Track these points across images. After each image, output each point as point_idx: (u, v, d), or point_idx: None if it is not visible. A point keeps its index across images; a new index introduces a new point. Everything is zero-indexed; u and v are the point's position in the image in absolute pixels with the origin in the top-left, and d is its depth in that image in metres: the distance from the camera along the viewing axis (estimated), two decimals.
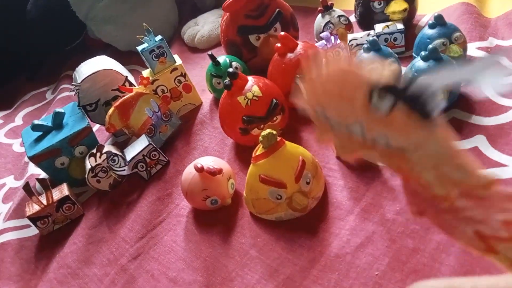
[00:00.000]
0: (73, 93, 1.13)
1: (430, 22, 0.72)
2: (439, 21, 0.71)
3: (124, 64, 0.96)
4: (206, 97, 0.94)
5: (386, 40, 0.81)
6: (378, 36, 0.81)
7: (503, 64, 0.23)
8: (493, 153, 0.58)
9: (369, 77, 0.26)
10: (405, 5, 0.81)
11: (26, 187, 0.72)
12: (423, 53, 0.65)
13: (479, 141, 0.61)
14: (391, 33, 0.80)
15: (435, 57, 0.64)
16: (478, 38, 0.77)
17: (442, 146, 0.25)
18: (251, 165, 0.61)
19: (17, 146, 1.08)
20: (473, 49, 0.76)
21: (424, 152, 0.25)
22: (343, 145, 0.29)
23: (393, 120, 0.25)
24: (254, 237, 0.61)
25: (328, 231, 0.57)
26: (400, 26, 0.80)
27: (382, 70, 0.26)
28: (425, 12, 0.92)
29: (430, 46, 0.64)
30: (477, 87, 0.22)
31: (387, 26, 0.81)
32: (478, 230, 0.25)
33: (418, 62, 0.66)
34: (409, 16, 0.84)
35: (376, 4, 0.84)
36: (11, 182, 0.95)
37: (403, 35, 0.80)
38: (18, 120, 1.21)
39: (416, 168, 0.26)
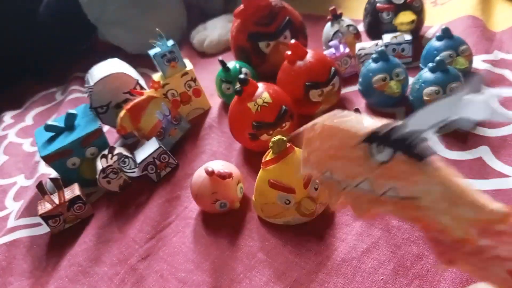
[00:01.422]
0: (82, 94, 1.15)
1: (438, 34, 0.74)
2: (446, 34, 0.73)
3: (133, 67, 0.98)
4: (215, 102, 0.96)
5: (394, 50, 0.83)
6: (386, 46, 0.83)
7: (479, 88, 0.24)
8: (496, 164, 0.59)
9: (359, 130, 0.27)
10: (413, 17, 0.83)
11: (40, 186, 0.73)
12: (430, 64, 0.67)
13: (483, 152, 0.62)
14: (399, 44, 0.82)
15: (442, 69, 0.66)
16: (484, 51, 0.79)
17: (447, 187, 0.25)
18: (261, 170, 0.62)
19: (27, 145, 1.10)
20: (478, 61, 0.77)
21: (433, 196, 0.25)
22: (357, 205, 0.30)
23: (396, 169, 0.26)
24: (262, 240, 0.62)
25: (335, 236, 0.59)
26: (408, 37, 0.82)
27: (361, 121, 0.28)
28: (432, 24, 0.94)
29: (437, 58, 0.66)
30: (464, 119, 0.22)
31: (395, 36, 0.83)
32: (510, 269, 0.24)
33: (426, 73, 0.67)
34: (416, 28, 0.86)
35: (384, 15, 0.85)
36: (22, 181, 0.96)
37: (410, 46, 0.82)
38: (29, 120, 1.23)
39: (430, 215, 0.26)
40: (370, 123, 0.27)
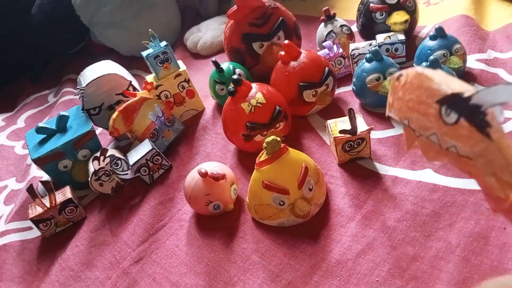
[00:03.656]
0: (75, 96, 1.14)
1: (431, 33, 0.74)
2: (439, 33, 0.73)
3: (126, 69, 0.97)
4: (209, 103, 0.96)
5: (387, 50, 0.83)
6: (379, 46, 0.82)
7: None
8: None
9: (439, 89, 0.30)
10: (406, 17, 0.83)
11: (30, 189, 0.72)
12: (424, 64, 0.67)
13: None
14: (392, 44, 0.82)
15: (436, 68, 0.65)
16: (477, 50, 0.79)
17: (499, 155, 0.29)
18: (255, 171, 0.61)
19: (19, 148, 1.08)
20: (472, 61, 0.77)
21: (485, 160, 0.29)
22: (427, 151, 0.34)
23: (459, 132, 0.30)
24: (256, 242, 0.61)
25: (330, 238, 0.58)
26: (402, 36, 0.82)
27: (451, 81, 0.31)
28: (426, 24, 0.94)
29: (431, 57, 0.66)
30: None
31: (389, 36, 0.82)
32: None
33: None
34: (410, 27, 0.86)
35: (378, 15, 0.85)
36: (13, 184, 0.95)
37: (404, 45, 0.82)
38: (20, 122, 1.22)
39: (481, 174, 0.30)
40: (449, 84, 0.30)
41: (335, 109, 0.80)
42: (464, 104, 0.29)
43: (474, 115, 0.29)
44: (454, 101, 0.30)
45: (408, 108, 0.34)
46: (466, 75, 0.75)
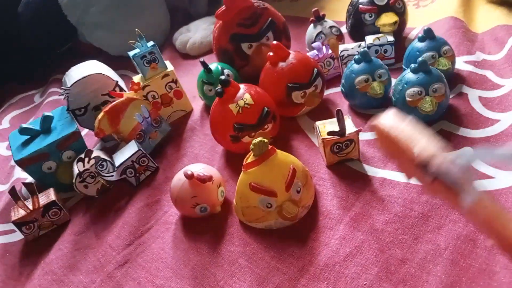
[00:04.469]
0: (62, 97, 1.12)
1: (420, 35, 0.74)
2: (428, 35, 0.73)
3: (114, 69, 0.96)
4: (197, 104, 0.94)
5: (376, 51, 0.82)
6: (369, 47, 0.82)
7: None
8: (480, 166, 0.59)
9: (408, 150, 0.34)
10: (395, 18, 0.83)
11: (12, 191, 0.70)
12: (412, 65, 0.66)
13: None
14: (381, 45, 0.82)
15: (424, 69, 0.65)
16: (466, 52, 0.79)
17: (478, 216, 0.32)
18: (242, 173, 0.60)
19: (3, 149, 1.06)
20: (461, 62, 0.77)
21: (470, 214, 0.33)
22: (424, 185, 0.36)
23: (438, 189, 0.33)
24: (244, 245, 0.60)
25: (318, 240, 0.57)
26: (391, 38, 0.82)
27: (427, 144, 0.34)
28: (415, 25, 0.94)
29: (420, 59, 0.66)
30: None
31: (378, 38, 0.82)
32: None
33: (408, 74, 0.67)
34: (399, 29, 0.86)
35: (367, 16, 0.85)
36: None
37: (393, 47, 0.82)
38: (5, 123, 1.20)
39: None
40: (420, 145, 0.34)
41: (324, 110, 0.79)
42: (434, 169, 0.33)
43: (446, 177, 0.32)
44: (426, 166, 0.33)
45: (391, 156, 0.39)
46: (454, 77, 0.75)
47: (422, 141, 0.35)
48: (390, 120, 0.37)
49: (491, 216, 0.32)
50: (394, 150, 0.37)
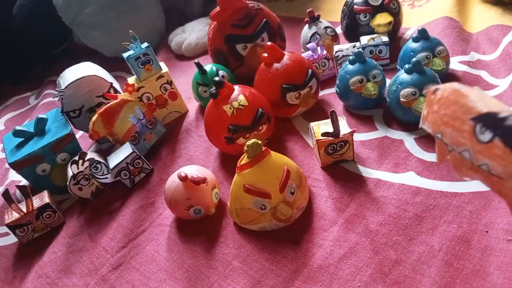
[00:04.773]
0: (54, 98, 1.12)
1: (414, 35, 0.74)
2: (422, 35, 0.72)
3: (109, 70, 0.95)
4: (192, 105, 0.94)
5: (371, 52, 0.82)
6: (363, 48, 0.82)
7: None
8: None
9: (475, 107, 0.31)
10: (390, 18, 0.83)
11: (6, 194, 0.70)
12: (406, 66, 0.66)
13: None
14: (376, 46, 0.82)
15: (419, 70, 0.65)
16: (460, 52, 0.79)
17: None
18: (236, 174, 0.60)
19: None
20: (455, 63, 0.77)
21: None
22: (458, 166, 0.34)
23: (492, 151, 0.30)
24: (238, 247, 0.60)
25: (312, 242, 0.57)
26: (385, 38, 0.82)
27: (488, 99, 0.31)
28: (410, 26, 0.94)
29: (414, 59, 0.66)
30: None
31: (373, 38, 0.82)
32: None
33: (402, 75, 0.67)
34: (394, 29, 0.86)
35: (362, 17, 0.85)
36: None
37: (387, 47, 0.82)
38: (0, 125, 1.19)
39: (510, 194, 0.30)
40: (485, 103, 0.30)
41: (319, 111, 0.79)
42: (499, 124, 0.29)
43: (508, 136, 0.29)
44: (489, 120, 0.30)
45: (442, 122, 0.34)
46: (449, 77, 0.75)
47: (489, 99, 0.32)
48: (452, 85, 0.34)
49: None
50: (451, 113, 0.33)
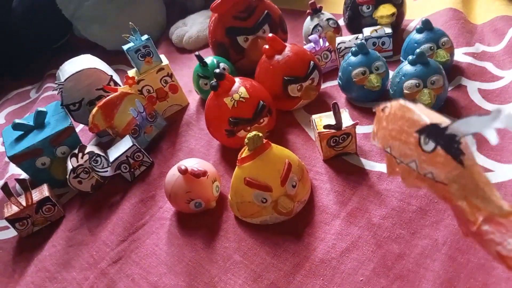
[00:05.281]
0: (54, 91, 1.11)
1: (418, 26, 0.72)
2: (426, 26, 0.71)
3: (110, 63, 0.95)
4: (193, 98, 0.93)
5: (374, 44, 0.81)
6: (366, 39, 0.81)
7: None
8: (479, 158, 0.58)
9: (419, 120, 0.33)
10: (393, 10, 0.81)
11: (5, 187, 0.70)
12: (410, 57, 0.65)
13: None
14: (379, 37, 0.80)
15: (422, 61, 0.64)
16: (465, 44, 0.78)
17: (470, 181, 0.32)
18: (236, 167, 0.59)
19: None
20: (460, 54, 0.76)
21: (458, 185, 0.32)
22: (406, 177, 0.37)
23: (436, 159, 0.32)
24: (238, 241, 0.60)
25: (314, 236, 0.56)
26: (388, 30, 0.80)
27: (430, 113, 0.33)
28: (413, 17, 0.92)
29: (418, 50, 0.64)
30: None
31: (375, 30, 0.81)
32: (498, 251, 0.30)
33: (406, 66, 0.66)
34: (397, 21, 0.85)
35: (364, 8, 0.83)
36: None
37: (391, 39, 0.80)
38: (1, 119, 1.19)
39: (454, 198, 0.33)
40: (428, 116, 0.33)
41: (321, 103, 0.78)
42: (440, 133, 0.32)
43: (449, 144, 0.31)
44: (432, 131, 0.32)
45: (390, 137, 0.36)
46: (453, 69, 0.74)
47: (431, 113, 0.34)
48: (399, 102, 0.37)
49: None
50: (398, 127, 0.36)
